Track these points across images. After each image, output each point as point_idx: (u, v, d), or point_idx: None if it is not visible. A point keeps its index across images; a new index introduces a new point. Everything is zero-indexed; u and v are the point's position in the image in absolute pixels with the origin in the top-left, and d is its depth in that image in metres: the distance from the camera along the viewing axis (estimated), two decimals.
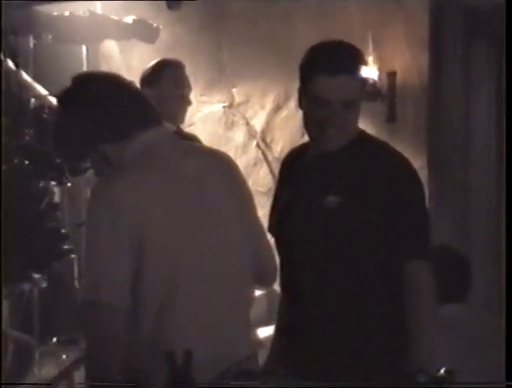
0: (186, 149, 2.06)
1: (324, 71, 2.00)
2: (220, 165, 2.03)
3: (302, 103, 2.10)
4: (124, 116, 1.89)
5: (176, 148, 1.99)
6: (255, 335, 2.04)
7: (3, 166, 3.29)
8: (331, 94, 2.01)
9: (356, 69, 2.04)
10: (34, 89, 3.87)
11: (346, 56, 2.05)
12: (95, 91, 1.90)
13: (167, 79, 3.35)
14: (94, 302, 1.81)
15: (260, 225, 2.08)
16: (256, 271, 2.03)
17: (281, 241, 2.18)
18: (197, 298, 1.89)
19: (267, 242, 2.10)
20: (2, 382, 1.82)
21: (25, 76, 3.87)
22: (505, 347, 2.00)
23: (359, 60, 2.07)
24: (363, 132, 2.14)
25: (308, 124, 2.09)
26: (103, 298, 1.80)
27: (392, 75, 4.36)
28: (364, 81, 2.08)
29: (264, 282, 2.14)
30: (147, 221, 1.83)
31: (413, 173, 2.10)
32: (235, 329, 1.98)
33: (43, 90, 3.90)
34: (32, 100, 3.69)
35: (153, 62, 3.46)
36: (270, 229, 2.21)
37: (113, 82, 1.95)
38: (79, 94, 1.90)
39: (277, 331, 2.22)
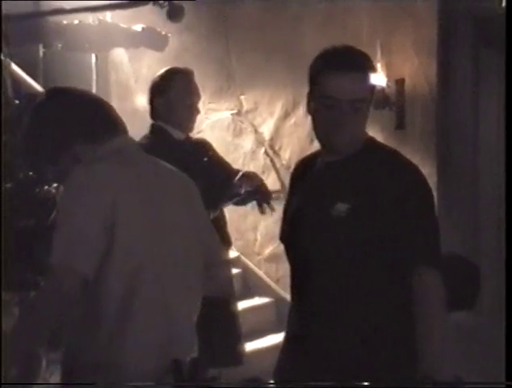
0: (149, 157, 2.18)
1: (332, 69, 2.02)
2: (182, 183, 2.17)
3: (310, 107, 2.11)
4: (95, 123, 2.06)
5: (141, 154, 2.15)
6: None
7: (8, 184, 3.30)
8: (339, 91, 2.01)
9: (364, 68, 2.06)
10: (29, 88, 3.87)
11: (354, 56, 2.08)
12: (69, 101, 2.09)
13: (177, 88, 3.36)
14: (66, 266, 1.86)
15: (217, 240, 2.25)
16: (209, 278, 2.16)
17: (292, 249, 2.18)
18: (156, 296, 1.98)
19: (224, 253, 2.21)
20: (2, 382, 1.83)
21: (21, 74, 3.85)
22: (505, 347, 2.00)
23: (367, 60, 2.10)
24: (371, 139, 2.14)
25: (317, 127, 2.09)
26: (75, 264, 1.86)
27: (400, 82, 4.36)
28: (372, 80, 2.09)
29: (218, 293, 2.27)
30: (118, 207, 1.93)
31: (422, 181, 2.10)
32: (188, 329, 2.08)
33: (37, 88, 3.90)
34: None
35: (163, 71, 3.47)
36: (282, 237, 2.22)
37: (83, 94, 2.16)
38: (56, 103, 2.10)
39: (287, 338, 2.22)
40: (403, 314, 2.01)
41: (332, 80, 2.02)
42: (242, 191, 3.41)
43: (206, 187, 3.33)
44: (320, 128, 2.09)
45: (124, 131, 2.12)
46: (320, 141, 2.12)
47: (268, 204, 3.44)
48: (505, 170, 2.20)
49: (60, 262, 1.87)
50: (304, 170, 2.23)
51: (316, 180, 2.14)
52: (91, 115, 2.05)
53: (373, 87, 2.11)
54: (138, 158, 2.11)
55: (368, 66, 2.08)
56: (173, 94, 3.35)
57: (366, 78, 2.06)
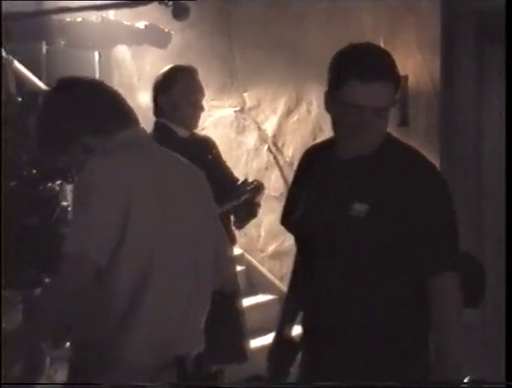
0: (161, 149, 2.17)
1: (357, 77, 1.97)
2: (193, 175, 2.16)
3: (330, 108, 2.07)
4: (106, 114, 2.05)
5: (153, 146, 2.14)
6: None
7: (12, 182, 3.30)
8: (364, 100, 1.98)
9: (390, 76, 2.02)
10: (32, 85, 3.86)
11: (380, 62, 2.02)
12: (80, 92, 2.07)
13: (180, 86, 3.36)
14: (81, 256, 1.86)
15: (225, 235, 2.24)
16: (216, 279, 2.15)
17: (301, 240, 2.17)
18: (167, 289, 1.98)
19: (231, 255, 2.24)
20: (2, 382, 1.82)
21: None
22: (505, 347, 2.00)
23: (392, 66, 2.04)
24: (390, 135, 2.11)
25: (338, 130, 2.07)
26: (90, 254, 1.86)
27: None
28: (397, 87, 2.05)
29: (225, 292, 2.26)
30: (132, 198, 1.93)
31: (442, 181, 2.08)
32: (197, 323, 2.08)
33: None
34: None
35: (166, 69, 3.47)
36: (287, 224, 2.21)
37: (96, 85, 2.14)
38: (66, 94, 2.08)
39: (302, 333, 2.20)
40: (418, 314, 2.01)
41: (357, 89, 1.98)
42: (242, 198, 3.40)
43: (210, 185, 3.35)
44: (341, 132, 2.06)
45: (136, 122, 2.10)
46: (339, 141, 2.09)
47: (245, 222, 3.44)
48: (505, 170, 2.20)
49: (75, 251, 1.87)
50: (313, 161, 2.19)
51: (331, 177, 2.11)
52: (102, 106, 2.04)
53: (397, 89, 2.06)
54: (150, 149, 2.10)
55: (394, 73, 2.03)
56: (176, 91, 3.35)
57: (391, 86, 2.02)
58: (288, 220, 2.22)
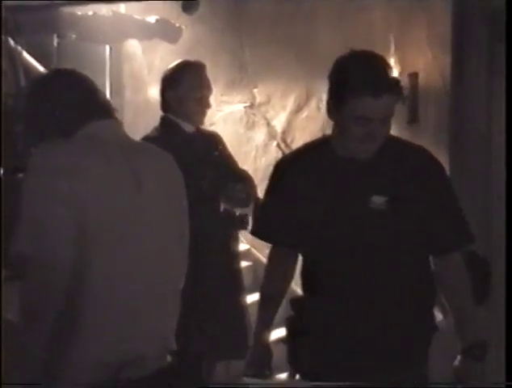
0: (132, 145, 2.07)
1: (368, 93, 2.02)
2: (162, 166, 2.04)
3: (334, 116, 2.12)
4: (72, 106, 1.96)
5: (116, 140, 2.01)
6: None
7: (21, 174, 3.30)
8: (374, 114, 2.05)
9: (397, 88, 2.10)
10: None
11: (388, 76, 2.09)
12: (54, 84, 2.02)
13: (187, 81, 3.36)
14: (30, 256, 1.78)
15: (187, 228, 2.08)
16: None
17: (313, 245, 2.18)
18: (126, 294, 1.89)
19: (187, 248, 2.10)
20: (2, 382, 1.80)
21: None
22: (505, 347, 2.04)
23: (395, 78, 2.13)
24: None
25: (345, 138, 2.11)
26: (41, 254, 1.77)
27: (413, 76, 4.34)
28: (401, 95, 2.13)
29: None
30: (84, 194, 1.84)
31: (441, 165, 2.21)
32: (156, 323, 1.97)
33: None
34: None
35: (174, 64, 3.47)
36: (282, 235, 2.23)
37: (71, 76, 2.05)
38: (43, 86, 2.05)
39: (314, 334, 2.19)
40: (429, 296, 2.17)
41: (367, 103, 2.04)
42: (242, 195, 3.39)
43: (215, 181, 3.35)
44: (349, 141, 2.10)
45: (107, 116, 2.01)
46: (345, 147, 2.13)
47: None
48: (505, 170, 2.28)
49: (25, 252, 1.79)
50: (307, 166, 2.20)
51: (335, 176, 2.15)
52: (72, 98, 1.97)
53: (401, 96, 2.14)
54: (118, 142, 1.98)
55: (397, 84, 2.11)
56: (183, 87, 3.35)
57: (396, 96, 2.10)
58: (280, 226, 2.22)
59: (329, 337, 2.14)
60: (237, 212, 3.38)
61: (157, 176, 2.00)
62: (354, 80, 2.05)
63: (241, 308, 3.43)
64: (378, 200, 2.06)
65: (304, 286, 2.27)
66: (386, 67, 2.11)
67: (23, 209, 1.83)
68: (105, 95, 2.07)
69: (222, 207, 3.32)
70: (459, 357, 2.16)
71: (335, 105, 2.10)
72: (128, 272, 1.90)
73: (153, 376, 1.81)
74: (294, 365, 2.24)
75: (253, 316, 3.46)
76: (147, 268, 1.93)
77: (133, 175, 1.94)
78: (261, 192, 4.55)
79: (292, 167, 2.24)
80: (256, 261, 4.99)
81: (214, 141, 3.53)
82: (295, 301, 2.31)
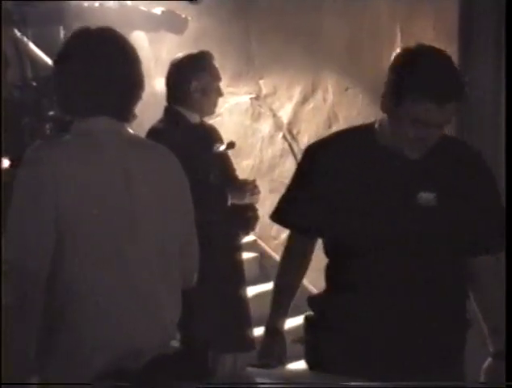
0: (128, 140, 2.03)
1: (432, 100, 1.93)
2: (159, 161, 2.01)
3: (389, 111, 2.02)
4: (75, 98, 1.94)
5: (112, 137, 1.98)
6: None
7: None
8: (435, 120, 1.97)
9: (462, 96, 1.99)
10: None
11: (455, 83, 1.97)
12: (73, 64, 1.99)
13: (193, 72, 3.34)
14: (18, 267, 1.78)
15: (193, 227, 2.06)
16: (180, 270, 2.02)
17: (349, 237, 2.09)
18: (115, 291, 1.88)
19: (196, 245, 2.08)
20: (2, 382, 1.80)
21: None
22: (505, 347, 2.04)
23: (464, 84, 2.00)
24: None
25: (394, 129, 2.03)
26: (28, 264, 1.78)
27: None
28: (465, 100, 2.04)
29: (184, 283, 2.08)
30: (68, 197, 1.83)
31: (488, 166, 2.15)
32: (157, 318, 1.95)
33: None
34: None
35: (180, 54, 3.45)
36: (307, 223, 2.14)
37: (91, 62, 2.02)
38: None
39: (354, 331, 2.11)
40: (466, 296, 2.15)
41: (430, 109, 1.94)
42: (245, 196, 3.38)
43: (217, 175, 3.35)
44: (399, 137, 2.02)
45: (107, 113, 1.95)
46: (393, 141, 2.05)
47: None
48: (505, 170, 2.28)
49: (15, 263, 1.79)
50: (345, 152, 2.10)
51: (377, 167, 2.07)
52: (82, 88, 1.93)
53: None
54: (105, 142, 1.94)
55: (463, 90, 1.99)
56: (189, 77, 3.32)
57: (458, 104, 1.99)
58: (306, 213, 2.13)
59: (365, 336, 2.06)
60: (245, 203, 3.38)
61: (152, 176, 1.96)
62: (419, 83, 1.94)
63: (243, 300, 3.43)
64: (427, 197, 2.02)
65: (331, 282, 2.18)
66: (454, 70, 1.99)
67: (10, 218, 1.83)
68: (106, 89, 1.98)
69: (230, 200, 3.32)
70: (489, 359, 2.14)
71: (392, 101, 1.99)
72: (119, 266, 1.88)
73: (154, 365, 1.79)
74: (314, 364, 2.18)
75: (258, 307, 3.48)
76: (140, 265, 1.91)
77: (124, 175, 1.92)
78: (267, 183, 4.60)
79: (326, 152, 2.12)
80: (262, 252, 4.99)
81: (217, 133, 3.52)
82: (314, 299, 2.24)
